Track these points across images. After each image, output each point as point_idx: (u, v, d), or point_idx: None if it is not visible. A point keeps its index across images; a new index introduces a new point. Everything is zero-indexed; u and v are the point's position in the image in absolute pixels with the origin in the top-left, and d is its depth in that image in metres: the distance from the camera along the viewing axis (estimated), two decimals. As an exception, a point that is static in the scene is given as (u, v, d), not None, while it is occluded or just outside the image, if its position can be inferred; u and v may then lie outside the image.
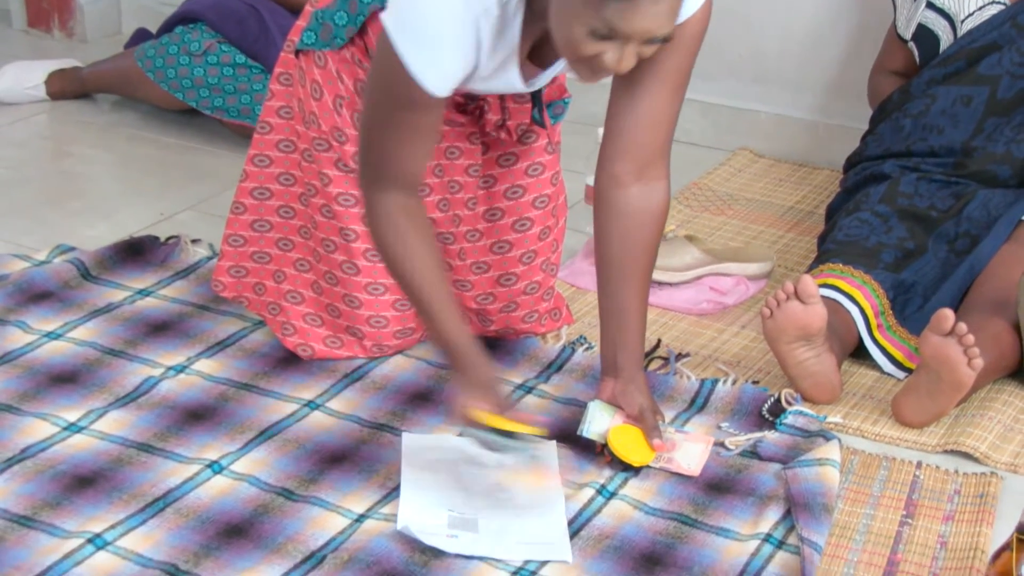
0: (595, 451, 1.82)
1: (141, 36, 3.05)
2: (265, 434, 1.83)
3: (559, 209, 2.04)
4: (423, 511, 1.67)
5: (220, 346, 2.06)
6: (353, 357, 2.02)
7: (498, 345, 2.09)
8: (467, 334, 1.74)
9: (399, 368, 2.02)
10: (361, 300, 1.97)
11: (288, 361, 2.02)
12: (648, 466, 1.80)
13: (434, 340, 1.80)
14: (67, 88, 3.11)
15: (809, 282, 1.92)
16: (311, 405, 1.91)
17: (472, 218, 1.99)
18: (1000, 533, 1.69)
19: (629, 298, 1.82)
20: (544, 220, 2.01)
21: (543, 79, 1.79)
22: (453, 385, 1.72)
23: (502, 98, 1.89)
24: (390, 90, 1.66)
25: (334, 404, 1.92)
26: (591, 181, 1.99)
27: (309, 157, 1.94)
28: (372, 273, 1.95)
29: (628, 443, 1.79)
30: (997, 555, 1.38)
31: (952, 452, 1.89)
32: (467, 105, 1.91)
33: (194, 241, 2.37)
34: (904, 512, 1.75)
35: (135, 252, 2.32)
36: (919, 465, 1.85)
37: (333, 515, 1.67)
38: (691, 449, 1.82)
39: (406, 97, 1.64)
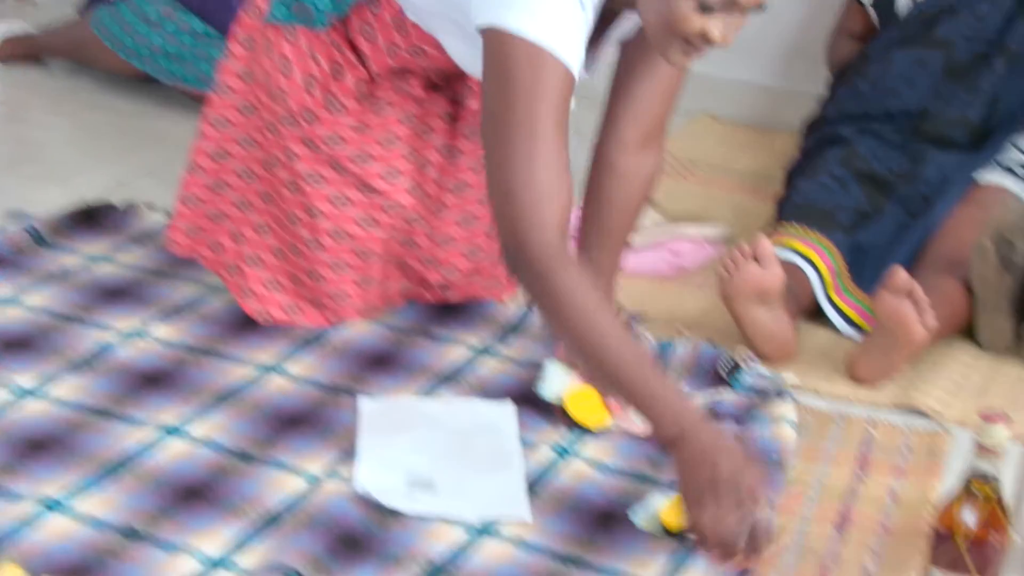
0: (553, 411, 1.83)
1: (94, -1, 3.02)
2: (223, 398, 1.83)
3: None
4: (381, 472, 1.67)
5: (177, 311, 2.05)
6: (312, 325, 2.02)
7: (454, 308, 2.09)
8: (681, 392, 1.58)
9: (358, 332, 2.02)
10: (324, 276, 1.96)
11: (246, 326, 2.01)
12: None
13: (654, 414, 1.53)
14: (20, 53, 3.08)
15: (766, 244, 1.93)
16: (269, 369, 1.91)
17: (439, 193, 1.98)
18: (948, 487, 1.72)
19: (605, 259, 1.84)
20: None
21: (596, 64, 1.73)
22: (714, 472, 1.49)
23: None
24: (526, 86, 1.50)
25: (293, 368, 1.92)
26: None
27: (274, 130, 1.92)
28: (337, 252, 1.94)
29: (584, 406, 1.79)
30: (946, 506, 1.40)
31: (904, 409, 1.91)
32: (440, 86, 1.91)
33: (149, 206, 2.36)
34: (857, 468, 1.77)
35: (90, 218, 2.30)
36: (872, 422, 1.87)
37: (291, 477, 1.67)
38: None
39: (545, 82, 1.50)
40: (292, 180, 1.92)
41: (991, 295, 2.01)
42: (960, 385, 1.97)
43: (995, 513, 1.35)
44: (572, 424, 1.79)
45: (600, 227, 1.84)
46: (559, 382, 1.81)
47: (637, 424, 1.80)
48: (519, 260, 1.53)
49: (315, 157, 1.89)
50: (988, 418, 1.32)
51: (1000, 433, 1.32)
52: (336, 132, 1.89)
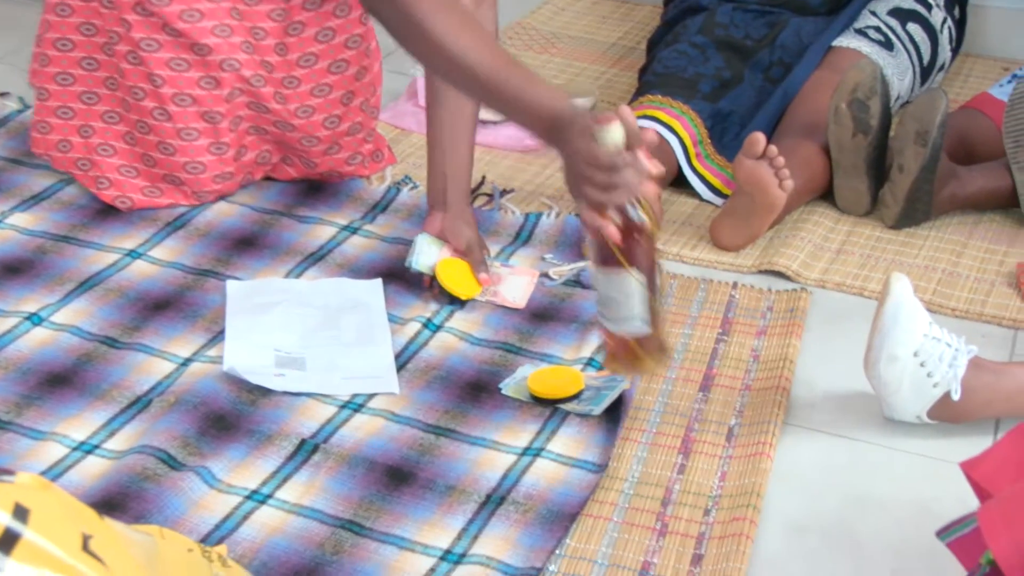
0: (423, 285, 1.84)
1: None
2: (86, 285, 1.81)
3: (373, 52, 2.02)
4: (249, 352, 1.67)
5: (35, 199, 2.00)
6: (175, 205, 1.99)
7: (323, 188, 2.08)
8: (547, 86, 1.53)
9: (222, 214, 2.00)
10: (175, 146, 1.93)
11: (107, 213, 1.98)
12: (474, 299, 1.83)
13: (516, 111, 1.54)
14: None
15: (628, 113, 1.94)
16: (133, 254, 1.89)
17: (285, 64, 1.95)
18: (807, 344, 1.78)
19: (461, 130, 1.83)
20: (359, 60, 1.99)
21: None
22: (570, 152, 1.45)
23: None
24: None
25: (156, 252, 1.90)
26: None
27: (109, 3, 1.88)
28: (184, 118, 1.91)
29: (455, 276, 1.81)
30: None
31: (766, 272, 1.96)
32: None
33: (2, 94, 2.29)
34: (720, 330, 1.82)
35: (-61, 107, 2.23)
36: (735, 285, 1.91)
37: (158, 360, 1.66)
38: (516, 282, 1.86)
39: None
40: (131, 51, 1.89)
41: (847, 158, 2.06)
42: (820, 247, 2.02)
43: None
44: (443, 296, 1.81)
45: (448, 95, 1.83)
46: (430, 254, 1.82)
47: (506, 297, 1.82)
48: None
49: (148, 22, 1.86)
50: (601, 121, 1.40)
51: (614, 131, 1.41)
52: None
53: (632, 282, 1.45)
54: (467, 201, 1.86)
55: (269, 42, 1.93)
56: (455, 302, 1.81)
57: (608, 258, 1.45)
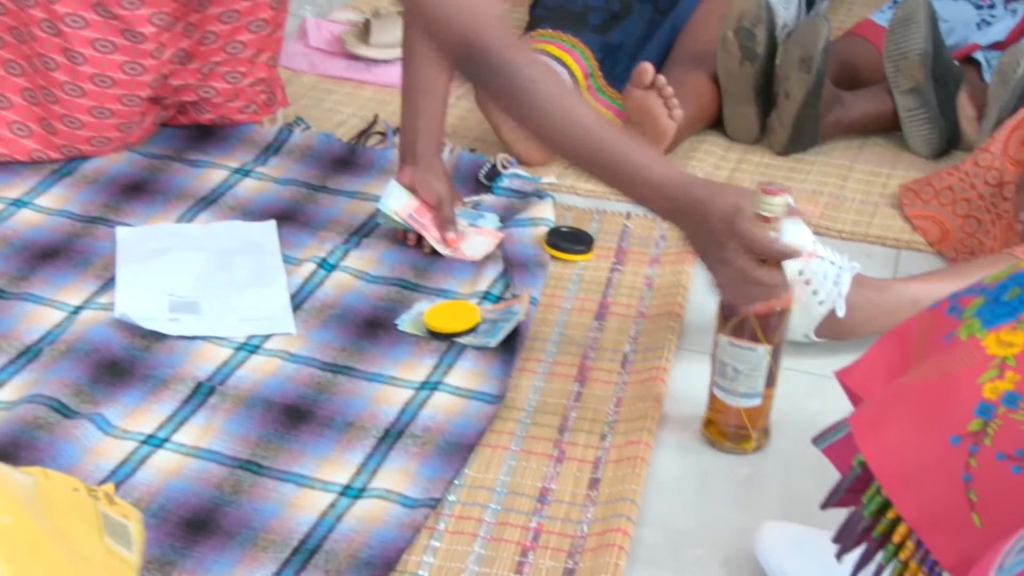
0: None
1: None
2: (-30, 237, 1.77)
3: (284, 2, 2.00)
4: (142, 297, 1.65)
5: (-86, 152, 1.96)
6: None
7: (213, 132, 2.05)
8: (665, 161, 1.43)
9: (110, 161, 1.97)
10: (84, 122, 1.90)
11: (-10, 163, 1.94)
12: (371, 237, 1.82)
13: (633, 190, 1.43)
14: None
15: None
16: (18, 203, 1.85)
17: (206, 53, 1.94)
18: (699, 270, 1.80)
19: (435, 87, 1.80)
20: (276, 18, 1.98)
21: None
22: (712, 224, 1.36)
23: None
24: None
25: (43, 201, 1.86)
26: None
27: None
28: (100, 98, 1.88)
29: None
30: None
31: (658, 201, 1.98)
32: None
33: None
34: (614, 259, 1.84)
35: None
36: (628, 215, 1.93)
37: (47, 309, 1.64)
38: (478, 240, 1.83)
39: None
40: (47, 20, 1.84)
41: (735, 86, 2.08)
42: (711, 175, 2.04)
43: None
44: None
45: (423, 48, 1.80)
46: (399, 198, 1.79)
47: (465, 253, 1.80)
48: (478, 65, 1.44)
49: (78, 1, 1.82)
50: (768, 191, 1.36)
51: (779, 202, 1.36)
52: None
53: (764, 357, 1.44)
54: (438, 155, 1.83)
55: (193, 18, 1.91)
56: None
57: (744, 331, 1.43)
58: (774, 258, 1.37)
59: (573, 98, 1.44)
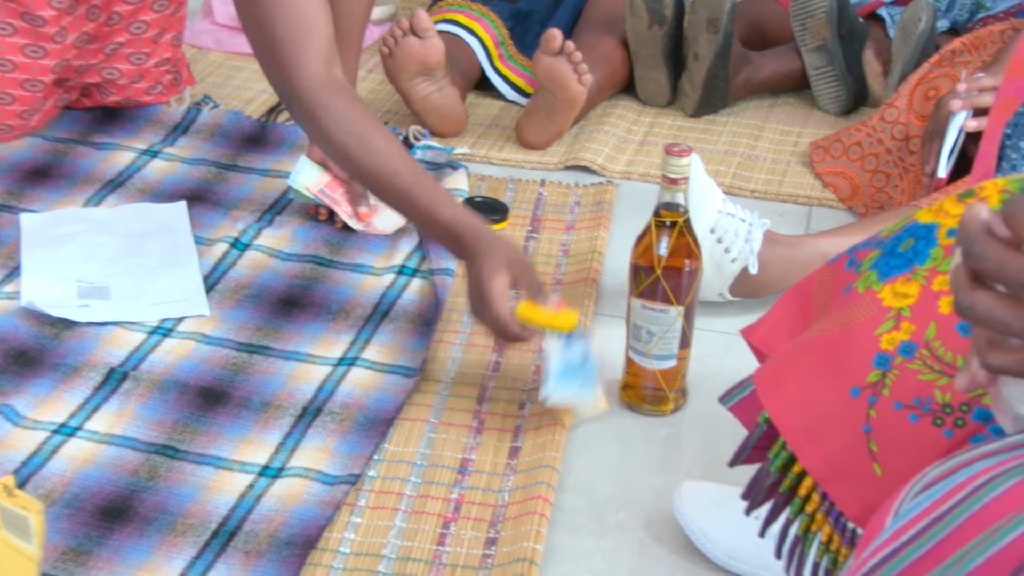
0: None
1: None
2: None
3: None
4: (49, 285, 1.62)
5: None
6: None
7: (119, 113, 2.02)
8: (464, 211, 1.47)
9: (12, 146, 1.93)
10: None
11: None
12: (285, 216, 1.81)
13: (427, 225, 1.48)
14: None
15: (423, 16, 1.93)
16: (-81, 195, 1.81)
17: (110, 2, 1.90)
18: (614, 235, 1.81)
19: (349, 59, 1.79)
20: None
21: None
22: (476, 272, 1.41)
23: None
24: None
25: (-56, 191, 1.83)
26: None
27: None
28: (1, 84, 1.85)
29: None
30: (638, 242, 1.45)
31: (572, 167, 1.98)
32: None
33: None
34: (530, 228, 1.83)
35: None
36: (542, 183, 1.93)
37: (-48, 301, 1.61)
38: (390, 214, 1.81)
39: None
40: None
41: (645, 49, 2.09)
42: (624, 140, 2.05)
43: (685, 240, 1.42)
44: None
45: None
46: (309, 174, 1.77)
47: (377, 227, 1.78)
48: (291, 111, 1.51)
49: None
50: (673, 152, 1.37)
51: (684, 163, 1.37)
52: None
53: (677, 318, 1.44)
54: None
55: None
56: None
57: (656, 294, 1.44)
58: (504, 341, 1.43)
59: (375, 132, 1.47)
